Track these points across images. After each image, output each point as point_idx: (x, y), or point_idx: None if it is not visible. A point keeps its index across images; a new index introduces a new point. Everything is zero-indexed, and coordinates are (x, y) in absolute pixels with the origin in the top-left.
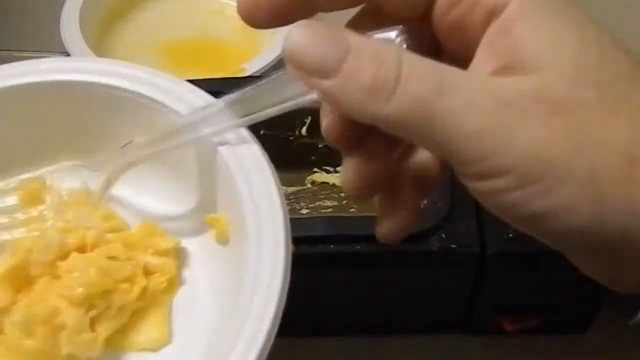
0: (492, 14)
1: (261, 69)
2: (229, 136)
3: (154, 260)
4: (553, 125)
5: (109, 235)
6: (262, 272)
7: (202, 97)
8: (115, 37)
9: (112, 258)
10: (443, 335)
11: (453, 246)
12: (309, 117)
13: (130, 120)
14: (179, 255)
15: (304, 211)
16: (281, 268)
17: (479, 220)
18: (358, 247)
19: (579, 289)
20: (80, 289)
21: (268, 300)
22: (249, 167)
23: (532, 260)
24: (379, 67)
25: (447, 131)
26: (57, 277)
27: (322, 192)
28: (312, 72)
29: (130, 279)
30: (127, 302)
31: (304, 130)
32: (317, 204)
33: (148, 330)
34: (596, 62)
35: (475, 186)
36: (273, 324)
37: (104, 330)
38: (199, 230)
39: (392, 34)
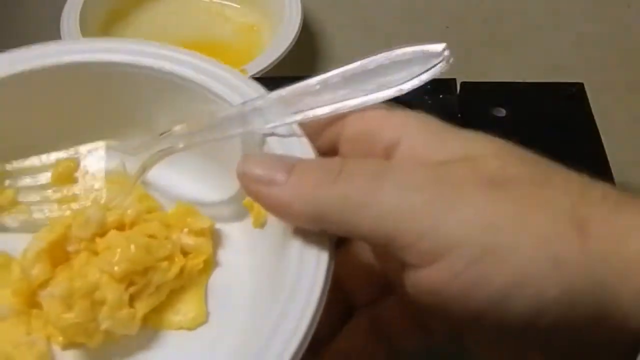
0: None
1: (262, 70)
2: (279, 128)
3: (189, 241)
4: (493, 197)
5: (147, 215)
6: (308, 255)
7: (254, 88)
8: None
9: (151, 236)
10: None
11: None
12: None
13: (176, 105)
14: (215, 236)
15: None
16: (326, 257)
17: None
18: None
19: None
20: (122, 265)
21: (314, 283)
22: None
23: None
24: (325, 163)
25: (387, 210)
26: (95, 253)
27: None
28: (266, 181)
29: (169, 258)
30: (165, 280)
31: None
32: None
33: (185, 309)
34: (511, 150)
35: (426, 275)
36: (319, 305)
37: (142, 307)
38: (236, 214)
39: (440, 46)
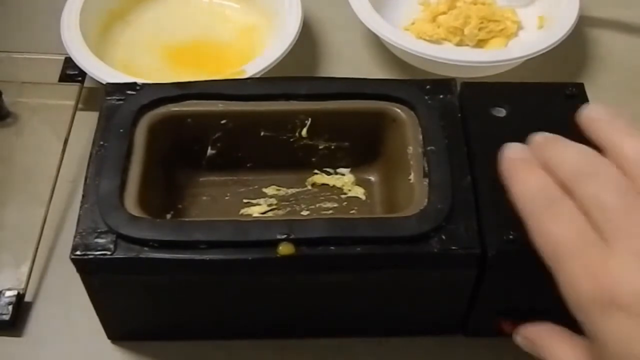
0: None
1: (261, 70)
2: None
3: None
4: None
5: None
6: None
7: None
8: (115, 38)
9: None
10: (443, 337)
11: (453, 248)
12: (309, 119)
13: None
14: None
15: (305, 213)
16: None
17: (479, 222)
18: (358, 249)
19: None
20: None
21: None
22: None
23: (533, 262)
24: None
25: None
26: (474, 3)
27: (323, 194)
28: None
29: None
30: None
31: (304, 132)
32: (317, 205)
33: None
34: None
35: None
36: None
37: (482, 35)
38: None
39: None
